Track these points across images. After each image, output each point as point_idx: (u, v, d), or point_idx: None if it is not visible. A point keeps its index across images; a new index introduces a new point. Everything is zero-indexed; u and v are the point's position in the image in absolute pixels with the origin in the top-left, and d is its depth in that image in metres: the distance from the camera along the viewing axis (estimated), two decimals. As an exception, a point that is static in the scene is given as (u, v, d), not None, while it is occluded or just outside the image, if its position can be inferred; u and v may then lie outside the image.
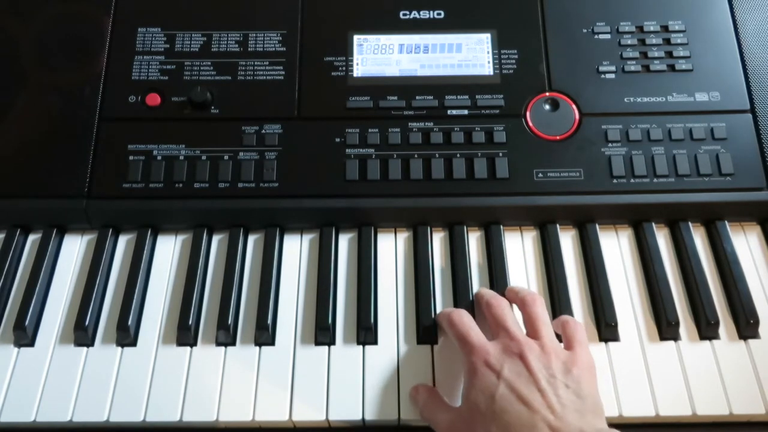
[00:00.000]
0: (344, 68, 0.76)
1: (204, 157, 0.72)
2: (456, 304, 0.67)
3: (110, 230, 0.72)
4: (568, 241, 0.72)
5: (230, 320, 0.66)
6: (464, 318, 0.61)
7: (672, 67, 0.76)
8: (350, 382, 0.63)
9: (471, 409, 0.55)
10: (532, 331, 0.60)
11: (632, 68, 0.76)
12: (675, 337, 0.65)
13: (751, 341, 0.65)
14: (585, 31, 0.78)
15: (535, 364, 0.56)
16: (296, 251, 0.71)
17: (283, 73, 0.76)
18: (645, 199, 0.71)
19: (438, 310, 0.67)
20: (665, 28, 0.78)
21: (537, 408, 0.53)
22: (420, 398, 0.61)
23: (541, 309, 0.62)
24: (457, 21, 0.78)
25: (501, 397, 0.54)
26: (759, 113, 0.74)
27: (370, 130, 0.73)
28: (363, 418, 0.61)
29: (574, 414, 0.52)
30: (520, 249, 0.71)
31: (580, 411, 0.53)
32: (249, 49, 0.77)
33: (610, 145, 0.73)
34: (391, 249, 0.71)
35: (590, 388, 0.56)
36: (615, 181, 0.71)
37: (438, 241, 0.72)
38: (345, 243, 0.72)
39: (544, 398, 0.53)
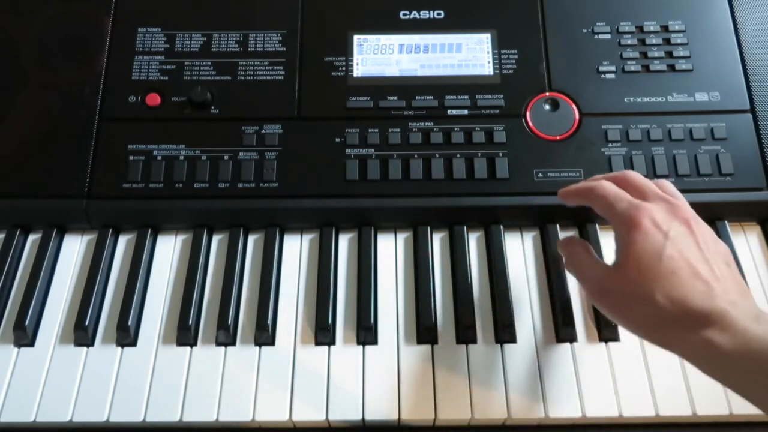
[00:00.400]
0: (344, 68, 0.76)
1: (204, 157, 0.72)
2: (456, 304, 0.67)
3: (110, 230, 0.72)
4: (568, 241, 0.72)
5: (230, 320, 0.66)
6: (609, 184, 0.57)
7: (672, 67, 0.76)
8: (350, 382, 0.63)
9: (632, 266, 0.52)
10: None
11: (632, 68, 0.76)
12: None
13: (751, 341, 0.65)
14: (585, 31, 0.78)
15: (700, 234, 0.53)
16: (296, 251, 0.71)
17: (283, 73, 0.76)
18: (645, 199, 0.71)
19: (438, 310, 0.67)
20: (665, 28, 0.78)
21: (706, 277, 0.50)
22: (569, 248, 0.60)
23: (670, 185, 0.59)
24: (457, 21, 0.78)
25: (669, 257, 0.51)
26: (759, 113, 0.74)
27: (370, 130, 0.73)
28: (363, 418, 0.61)
29: (738, 293, 0.51)
30: (520, 249, 0.71)
31: (742, 291, 0.51)
32: (249, 49, 0.77)
33: (610, 145, 0.73)
34: (391, 249, 0.71)
35: (739, 273, 0.54)
36: (615, 181, 0.71)
37: (438, 241, 0.72)
38: (345, 243, 0.72)
39: (711, 270, 0.51)
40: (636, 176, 0.58)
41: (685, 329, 0.49)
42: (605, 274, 0.55)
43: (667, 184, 0.58)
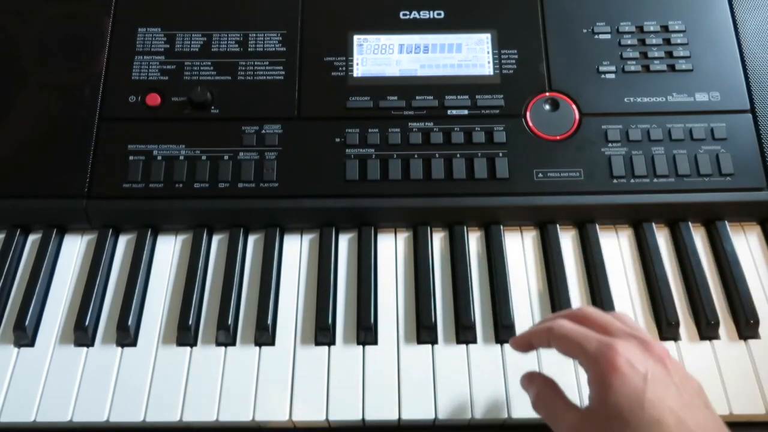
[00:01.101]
0: (344, 68, 0.76)
1: (204, 157, 0.72)
2: (456, 304, 0.67)
3: (110, 230, 0.72)
4: (568, 241, 0.72)
5: (230, 320, 0.66)
6: (568, 322, 0.53)
7: (672, 67, 0.76)
8: (350, 382, 0.63)
9: (611, 413, 0.47)
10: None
11: (632, 68, 0.76)
12: (675, 337, 0.65)
13: (751, 341, 0.65)
14: (585, 31, 0.78)
15: (676, 373, 0.49)
16: (296, 251, 0.71)
17: (283, 73, 0.76)
18: (645, 199, 0.71)
19: (438, 310, 0.67)
20: (665, 28, 0.78)
21: (690, 426, 0.46)
22: (535, 389, 0.55)
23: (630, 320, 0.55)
24: (457, 21, 0.78)
25: (651, 404, 0.47)
26: (759, 113, 0.74)
27: (370, 130, 0.73)
28: (363, 418, 0.61)
29: None
30: (520, 249, 0.71)
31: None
32: (249, 49, 0.77)
33: (610, 145, 0.73)
34: (391, 249, 0.71)
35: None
36: (615, 181, 0.71)
37: (438, 241, 0.72)
38: (345, 243, 0.72)
39: (692, 414, 0.47)
40: (595, 312, 0.54)
41: None
42: (580, 420, 0.51)
43: (625, 317, 0.54)
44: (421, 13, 0.79)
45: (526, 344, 0.57)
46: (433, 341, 0.65)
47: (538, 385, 0.56)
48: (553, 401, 0.54)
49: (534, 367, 0.63)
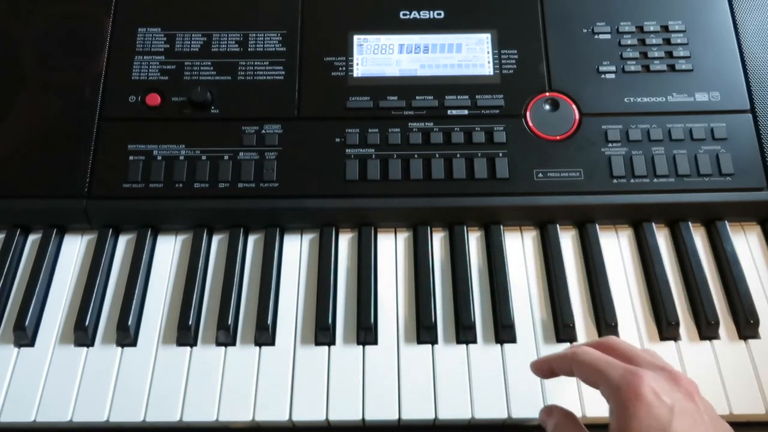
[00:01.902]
0: (344, 68, 0.76)
1: (204, 157, 0.72)
2: (456, 304, 0.67)
3: (110, 230, 0.72)
4: (568, 241, 0.72)
5: (230, 320, 0.66)
6: (592, 350, 0.51)
7: (672, 67, 0.76)
8: (350, 382, 0.63)
9: None
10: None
11: (632, 68, 0.76)
12: (675, 337, 0.65)
13: (751, 341, 0.65)
14: (585, 31, 0.78)
15: (707, 411, 0.47)
16: (296, 251, 0.71)
17: (283, 73, 0.76)
18: (645, 199, 0.71)
19: (438, 310, 0.67)
20: (665, 28, 0.78)
21: None
22: (553, 421, 0.53)
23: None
24: (457, 21, 0.78)
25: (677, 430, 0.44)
26: (759, 113, 0.74)
27: (370, 130, 0.73)
28: (363, 418, 0.61)
29: None
30: (520, 249, 0.71)
31: None
32: (249, 49, 0.77)
33: (610, 145, 0.73)
34: (391, 249, 0.71)
35: None
36: (615, 181, 0.71)
37: (438, 241, 0.72)
38: (345, 243, 0.72)
39: None
40: (622, 342, 0.52)
41: None
42: None
43: (654, 352, 0.52)
44: (421, 13, 0.79)
45: (548, 369, 0.55)
46: (433, 341, 0.65)
47: (558, 417, 0.54)
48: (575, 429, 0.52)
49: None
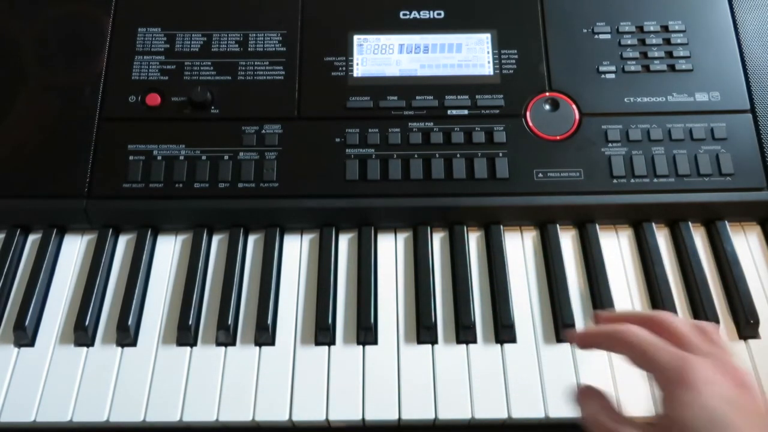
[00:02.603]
0: (344, 68, 0.76)
1: (204, 157, 0.72)
2: (456, 304, 0.67)
3: (110, 230, 0.72)
4: (568, 241, 0.72)
5: (230, 320, 0.66)
6: (641, 330, 0.49)
7: (672, 67, 0.76)
8: (350, 382, 0.63)
9: (678, 429, 0.43)
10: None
11: (632, 68, 0.76)
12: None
13: (751, 341, 0.65)
14: (585, 31, 0.78)
15: (759, 400, 0.44)
16: (296, 251, 0.71)
17: (283, 73, 0.76)
18: (645, 199, 0.71)
19: (438, 310, 0.67)
20: (665, 28, 0.78)
21: None
22: (590, 406, 0.50)
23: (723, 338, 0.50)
24: (457, 21, 0.78)
25: (724, 424, 0.42)
26: (759, 113, 0.74)
27: (370, 130, 0.73)
28: (363, 418, 0.61)
29: None
30: (520, 249, 0.71)
31: None
32: (249, 49, 0.77)
33: (610, 145, 0.73)
34: (391, 249, 0.71)
35: None
36: (615, 181, 0.71)
37: (438, 241, 0.72)
38: (345, 243, 0.72)
39: None
40: (672, 320, 0.49)
41: None
42: None
43: (710, 329, 0.49)
44: (421, 13, 0.79)
45: (589, 342, 0.52)
46: (433, 341, 0.65)
47: (593, 400, 0.50)
48: (612, 419, 0.48)
49: (534, 367, 0.63)
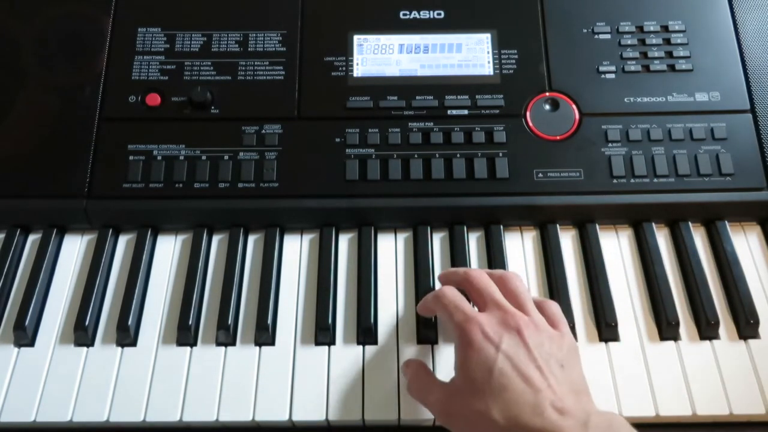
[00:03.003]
0: (344, 68, 0.76)
1: (204, 157, 0.72)
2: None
3: (110, 230, 0.72)
4: (568, 241, 0.72)
5: (230, 320, 0.66)
6: (453, 290, 0.59)
7: (672, 67, 0.76)
8: (350, 382, 0.63)
9: (466, 383, 0.52)
10: (517, 307, 0.57)
11: (632, 68, 0.76)
12: (675, 337, 0.65)
13: (751, 341, 0.65)
14: (585, 31, 0.78)
15: (532, 340, 0.53)
16: (296, 251, 0.71)
17: (283, 73, 0.76)
18: (645, 199, 0.71)
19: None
20: (665, 28, 0.78)
21: (538, 386, 0.50)
22: (410, 372, 0.59)
23: (523, 285, 0.59)
24: (457, 21, 0.78)
25: (500, 372, 0.51)
26: (759, 113, 0.74)
27: (370, 130, 0.73)
28: (363, 418, 0.61)
29: (571, 395, 0.51)
30: (520, 249, 0.71)
31: (576, 392, 0.52)
32: (249, 49, 0.77)
33: (610, 145, 0.73)
34: (391, 249, 0.71)
35: (579, 368, 0.55)
36: (615, 181, 0.71)
37: (438, 241, 0.72)
38: (345, 243, 0.72)
39: (543, 376, 0.51)
40: (478, 278, 0.58)
41: None
42: (445, 395, 0.54)
43: (511, 279, 0.58)
44: (421, 13, 0.79)
45: (426, 309, 0.62)
46: (433, 341, 0.65)
47: (412, 368, 0.60)
48: (422, 381, 0.58)
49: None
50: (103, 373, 0.64)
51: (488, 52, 0.77)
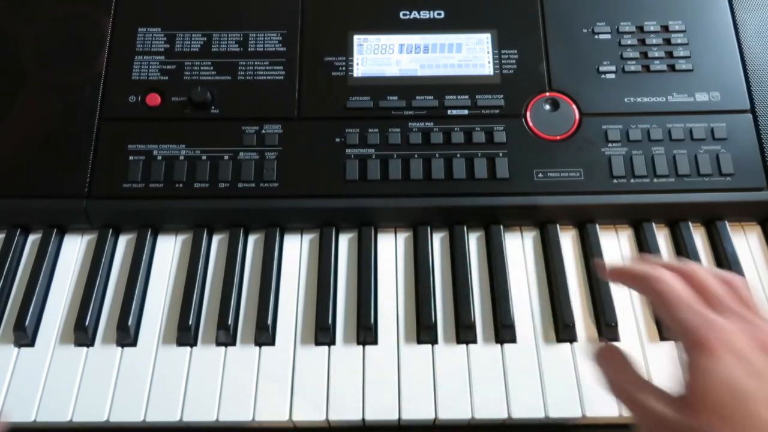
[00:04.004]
0: (344, 68, 0.76)
1: (204, 157, 0.72)
2: (456, 304, 0.67)
3: (110, 230, 0.72)
4: (568, 241, 0.72)
5: (230, 320, 0.66)
6: (677, 280, 0.45)
7: (672, 67, 0.76)
8: (350, 382, 0.63)
9: (704, 401, 0.40)
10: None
11: (632, 68, 0.76)
12: (675, 337, 0.65)
13: (751, 341, 0.65)
14: (585, 31, 0.78)
15: None
16: (296, 251, 0.71)
17: (283, 73, 0.76)
18: (645, 199, 0.71)
19: (438, 310, 0.67)
20: (665, 28, 0.78)
21: None
22: (612, 366, 0.46)
23: (752, 295, 0.46)
24: (457, 21, 0.78)
25: (755, 399, 0.38)
26: (759, 113, 0.74)
27: (370, 130, 0.73)
28: (363, 418, 0.61)
29: None
30: (520, 249, 0.71)
31: None
32: (249, 49, 0.77)
33: (610, 145, 0.73)
34: (391, 249, 0.71)
35: None
36: (615, 181, 0.71)
37: (438, 241, 0.72)
38: (345, 243, 0.72)
39: None
40: (705, 276, 0.46)
41: None
42: (672, 410, 0.41)
43: (741, 286, 0.45)
44: (421, 13, 0.79)
45: (620, 276, 0.49)
46: (433, 341, 0.65)
47: (615, 361, 0.46)
48: (637, 384, 0.45)
49: (534, 367, 0.63)
50: (103, 373, 0.64)
51: (488, 52, 0.77)
